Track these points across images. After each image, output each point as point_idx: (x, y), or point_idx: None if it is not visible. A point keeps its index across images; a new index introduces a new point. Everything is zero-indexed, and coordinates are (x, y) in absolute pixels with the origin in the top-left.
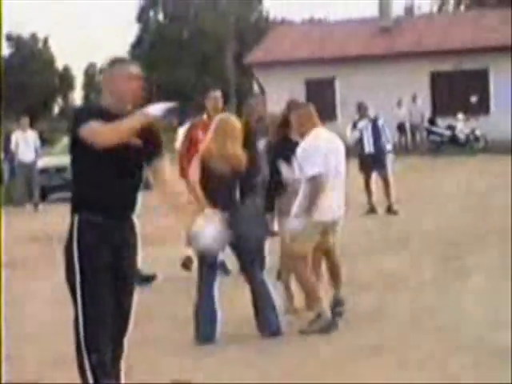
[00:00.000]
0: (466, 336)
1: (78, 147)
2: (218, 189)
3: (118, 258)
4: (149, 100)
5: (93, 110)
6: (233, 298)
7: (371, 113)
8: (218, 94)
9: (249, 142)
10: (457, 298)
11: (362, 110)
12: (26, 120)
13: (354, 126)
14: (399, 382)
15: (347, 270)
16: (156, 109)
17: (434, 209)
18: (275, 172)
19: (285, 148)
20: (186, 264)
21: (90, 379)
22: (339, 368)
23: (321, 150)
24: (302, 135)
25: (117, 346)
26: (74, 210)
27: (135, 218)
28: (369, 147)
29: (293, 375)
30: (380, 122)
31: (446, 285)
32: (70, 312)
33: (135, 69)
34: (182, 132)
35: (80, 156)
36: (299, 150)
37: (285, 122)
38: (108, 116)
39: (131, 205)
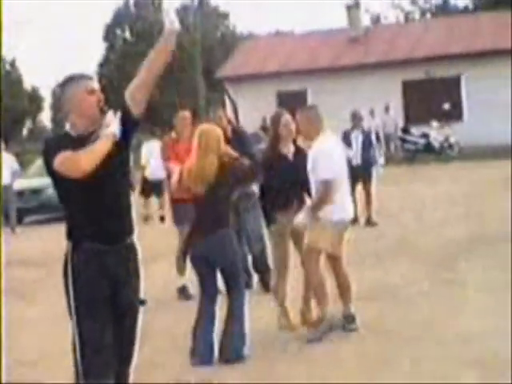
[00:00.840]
0: (468, 349)
1: (56, 179)
2: (198, 210)
3: (116, 284)
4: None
5: (61, 139)
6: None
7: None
8: (186, 113)
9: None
10: (452, 309)
11: (355, 119)
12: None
13: (345, 136)
14: None
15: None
16: (112, 127)
17: (414, 218)
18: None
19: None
20: (184, 294)
21: None
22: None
23: (333, 153)
24: (311, 138)
25: (121, 376)
26: (67, 237)
27: (135, 241)
28: (356, 159)
29: None
30: (373, 135)
31: (439, 296)
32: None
33: (91, 82)
34: (145, 149)
35: (61, 186)
36: (312, 153)
37: (275, 136)
38: (75, 141)
39: (125, 226)
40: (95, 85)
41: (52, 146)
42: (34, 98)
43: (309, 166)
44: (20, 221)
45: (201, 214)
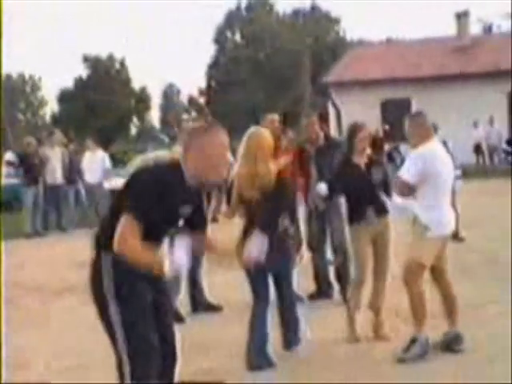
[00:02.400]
0: None
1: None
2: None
3: (158, 291)
4: None
5: (154, 188)
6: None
7: (441, 134)
8: (275, 117)
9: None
10: None
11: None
12: (90, 141)
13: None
14: None
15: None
16: (180, 262)
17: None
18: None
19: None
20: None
21: None
22: None
23: (436, 159)
24: (417, 144)
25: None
26: (103, 247)
27: None
28: None
29: None
30: (450, 145)
31: None
32: None
33: (226, 137)
34: None
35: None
36: (411, 155)
37: (349, 148)
38: (172, 189)
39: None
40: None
41: (139, 193)
42: (142, 98)
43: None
44: None
45: (251, 224)
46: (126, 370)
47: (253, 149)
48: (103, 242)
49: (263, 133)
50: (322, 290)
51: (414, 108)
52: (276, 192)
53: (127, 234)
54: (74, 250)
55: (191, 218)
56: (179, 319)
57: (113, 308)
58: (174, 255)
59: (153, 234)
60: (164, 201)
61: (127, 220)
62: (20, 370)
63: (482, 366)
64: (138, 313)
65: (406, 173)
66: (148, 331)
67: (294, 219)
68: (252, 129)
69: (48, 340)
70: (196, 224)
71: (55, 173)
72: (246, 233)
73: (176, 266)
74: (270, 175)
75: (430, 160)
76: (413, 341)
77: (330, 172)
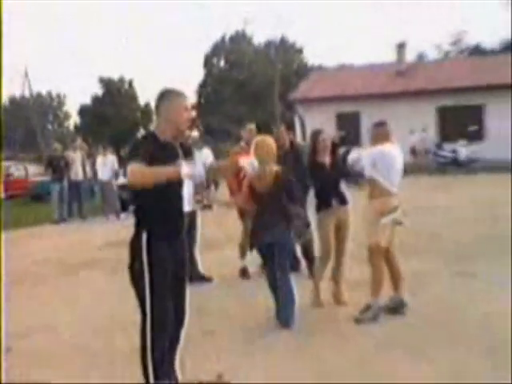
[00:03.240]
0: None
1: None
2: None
3: (181, 264)
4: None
5: (149, 142)
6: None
7: None
8: (252, 126)
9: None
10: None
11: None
12: (101, 147)
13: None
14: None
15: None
16: (187, 170)
17: (440, 219)
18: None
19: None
20: (244, 273)
21: (151, 377)
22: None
23: (390, 157)
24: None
25: (174, 339)
26: (139, 225)
27: None
28: None
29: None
30: None
31: (459, 285)
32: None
33: (187, 101)
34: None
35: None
36: (372, 152)
37: (312, 146)
38: (161, 146)
39: (182, 223)
40: (189, 104)
41: (134, 148)
42: (147, 112)
43: (368, 162)
44: (125, 209)
45: (263, 210)
46: (148, 327)
47: (262, 154)
48: (138, 220)
49: (269, 140)
50: (291, 265)
51: (363, 120)
52: (281, 185)
53: (135, 170)
54: (93, 233)
55: None
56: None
57: (146, 276)
58: (196, 169)
59: (164, 199)
60: (155, 152)
61: (131, 166)
62: (49, 332)
63: (422, 325)
64: (162, 285)
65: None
66: (166, 300)
67: (304, 206)
68: (259, 137)
69: (72, 305)
70: None
71: (77, 172)
72: (256, 218)
73: (198, 176)
74: (273, 174)
75: (382, 156)
76: (368, 306)
77: (294, 169)
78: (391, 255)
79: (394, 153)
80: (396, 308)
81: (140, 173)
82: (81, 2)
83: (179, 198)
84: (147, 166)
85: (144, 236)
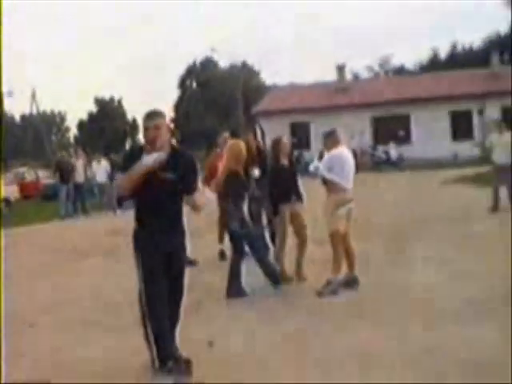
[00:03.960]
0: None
1: None
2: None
3: (170, 251)
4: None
5: (132, 154)
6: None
7: None
8: (226, 134)
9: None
10: (401, 271)
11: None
12: (98, 156)
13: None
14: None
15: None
16: (148, 159)
17: (378, 206)
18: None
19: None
20: (222, 255)
21: (153, 344)
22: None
23: (342, 160)
24: (330, 149)
25: (174, 315)
26: (135, 222)
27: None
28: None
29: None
30: None
31: (395, 259)
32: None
33: (149, 122)
34: None
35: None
36: (328, 156)
37: (274, 151)
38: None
39: (170, 221)
40: (153, 123)
41: (123, 160)
42: (133, 125)
43: (325, 168)
44: (120, 205)
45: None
46: (144, 304)
47: (234, 154)
48: (135, 218)
49: (241, 143)
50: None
51: (312, 128)
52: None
53: (117, 180)
54: (94, 226)
55: (182, 183)
56: None
57: (139, 260)
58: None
59: (147, 202)
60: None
61: (116, 178)
62: (67, 305)
63: (370, 299)
64: (150, 268)
65: (325, 170)
66: (154, 280)
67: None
68: (232, 141)
69: (82, 284)
70: (185, 188)
71: (80, 175)
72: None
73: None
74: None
75: (335, 160)
76: (329, 282)
77: (261, 168)
78: (348, 239)
79: (345, 155)
80: (351, 283)
81: (120, 180)
82: (80, 38)
83: (160, 200)
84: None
85: (136, 230)
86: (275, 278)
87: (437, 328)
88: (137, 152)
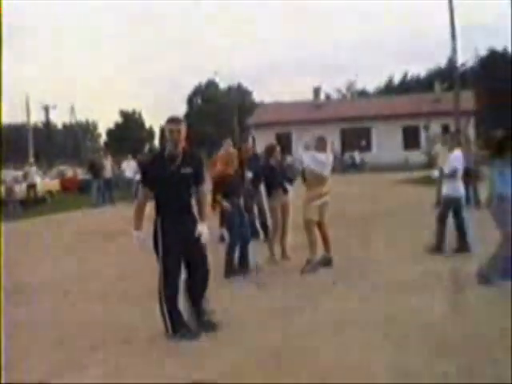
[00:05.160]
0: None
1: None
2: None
3: (186, 235)
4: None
5: (156, 158)
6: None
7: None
8: (229, 141)
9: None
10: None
11: (308, 147)
12: (129, 156)
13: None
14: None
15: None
16: (135, 240)
17: (344, 200)
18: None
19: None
20: (222, 238)
21: (168, 318)
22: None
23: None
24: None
25: (202, 287)
26: (156, 213)
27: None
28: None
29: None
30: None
31: (360, 243)
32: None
33: (174, 125)
34: None
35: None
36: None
37: (268, 154)
38: (165, 160)
39: (186, 208)
40: (177, 127)
41: (143, 167)
42: (151, 132)
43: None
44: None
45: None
46: (161, 277)
47: (227, 161)
48: (155, 209)
49: (233, 154)
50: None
51: (293, 137)
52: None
53: (138, 197)
54: (119, 213)
55: (192, 177)
56: None
57: (159, 242)
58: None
59: (168, 193)
60: (157, 168)
61: (140, 189)
62: (91, 281)
63: (344, 271)
64: (168, 248)
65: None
66: (174, 257)
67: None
68: (226, 151)
69: (106, 261)
70: (196, 181)
71: (108, 172)
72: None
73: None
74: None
75: (318, 159)
76: (308, 261)
77: (255, 169)
78: (324, 226)
79: (325, 156)
80: (327, 262)
81: (137, 205)
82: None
83: (178, 192)
84: (149, 189)
85: (156, 219)
86: (229, 269)
87: (398, 296)
88: (157, 159)
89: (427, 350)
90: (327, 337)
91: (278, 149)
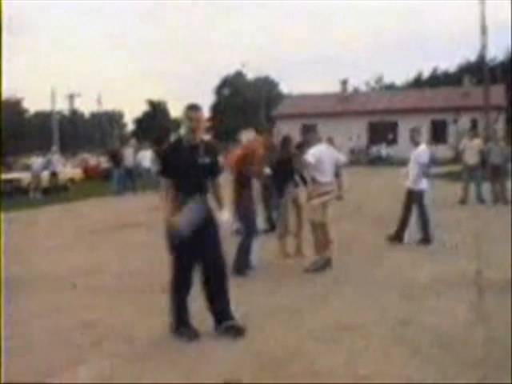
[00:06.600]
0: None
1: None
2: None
3: (201, 229)
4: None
5: (176, 147)
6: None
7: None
8: (251, 131)
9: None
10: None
11: (329, 141)
12: (146, 144)
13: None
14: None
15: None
16: (182, 224)
17: (371, 195)
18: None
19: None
20: (238, 231)
21: (175, 313)
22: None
23: (318, 152)
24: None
25: (221, 285)
26: (175, 200)
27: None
28: None
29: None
30: (341, 150)
31: (377, 241)
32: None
33: (192, 113)
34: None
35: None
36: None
37: (284, 145)
38: (186, 150)
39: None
40: (197, 115)
41: (163, 154)
42: (176, 122)
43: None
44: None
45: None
46: (174, 269)
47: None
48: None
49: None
50: (272, 228)
51: (321, 131)
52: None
53: (161, 189)
54: (139, 202)
55: (210, 167)
56: None
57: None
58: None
59: (186, 184)
60: (176, 158)
61: (161, 181)
62: (97, 274)
63: (347, 275)
64: (183, 238)
65: (309, 158)
66: (186, 248)
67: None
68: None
69: (117, 254)
70: (214, 171)
71: (129, 161)
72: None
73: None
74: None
75: (319, 152)
76: (314, 261)
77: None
78: (326, 227)
79: (326, 150)
80: (327, 264)
81: (163, 199)
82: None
83: (198, 181)
84: (172, 180)
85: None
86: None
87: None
88: (176, 148)
89: (445, 358)
90: (337, 341)
91: (294, 142)
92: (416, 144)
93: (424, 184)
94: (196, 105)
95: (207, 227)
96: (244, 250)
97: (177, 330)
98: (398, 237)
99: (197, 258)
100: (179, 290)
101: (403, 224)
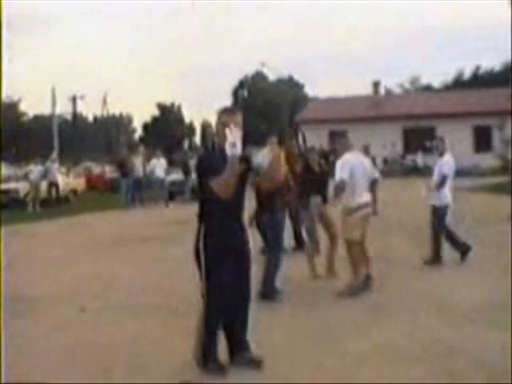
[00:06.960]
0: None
1: (205, 189)
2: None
3: (234, 248)
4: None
5: (212, 158)
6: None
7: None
8: (274, 139)
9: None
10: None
11: (365, 150)
12: (159, 151)
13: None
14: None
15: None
16: (235, 149)
17: (403, 208)
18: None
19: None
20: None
21: (205, 347)
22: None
23: (350, 163)
24: (340, 155)
25: (241, 312)
26: (202, 219)
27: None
28: None
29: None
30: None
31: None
32: None
33: (230, 117)
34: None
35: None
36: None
37: (306, 158)
38: (223, 157)
39: (238, 215)
40: (237, 118)
41: (205, 163)
42: (191, 128)
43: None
44: (172, 198)
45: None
46: (210, 295)
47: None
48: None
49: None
50: (300, 246)
51: (351, 138)
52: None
53: (219, 183)
54: (149, 216)
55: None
56: None
57: (207, 254)
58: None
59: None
60: (215, 168)
61: (211, 182)
62: (110, 293)
63: (390, 296)
64: (220, 259)
65: (339, 174)
66: (224, 272)
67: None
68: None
69: (128, 271)
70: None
71: (138, 171)
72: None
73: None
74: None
75: (351, 164)
76: (349, 285)
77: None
78: (363, 244)
79: (361, 158)
80: (367, 282)
81: (221, 184)
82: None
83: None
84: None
85: (205, 224)
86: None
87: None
88: (213, 157)
89: None
90: (378, 370)
91: (314, 152)
92: (440, 154)
93: (446, 198)
94: (233, 108)
95: (242, 245)
96: (271, 272)
97: (205, 366)
98: (436, 259)
99: (234, 279)
100: (215, 322)
101: (437, 243)
